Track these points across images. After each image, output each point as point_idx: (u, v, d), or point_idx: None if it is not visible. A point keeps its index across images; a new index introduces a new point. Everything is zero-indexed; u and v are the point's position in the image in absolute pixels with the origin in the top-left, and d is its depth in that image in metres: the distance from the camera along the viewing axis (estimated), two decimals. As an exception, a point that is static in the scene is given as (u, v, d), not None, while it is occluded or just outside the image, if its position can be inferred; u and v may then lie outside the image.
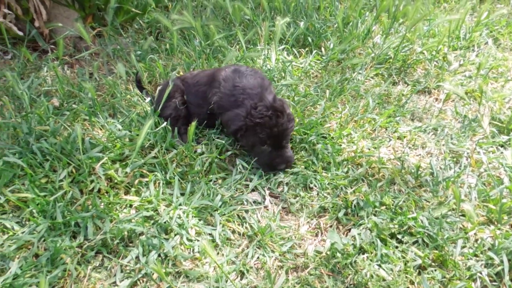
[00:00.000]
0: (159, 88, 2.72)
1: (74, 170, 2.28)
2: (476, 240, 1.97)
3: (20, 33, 3.45)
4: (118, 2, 3.57)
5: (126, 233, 1.99)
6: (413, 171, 2.36)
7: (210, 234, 2.04)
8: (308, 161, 2.46)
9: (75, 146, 2.35)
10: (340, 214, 2.14)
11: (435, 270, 1.84)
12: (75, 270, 1.83)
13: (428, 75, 3.38)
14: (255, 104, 2.33)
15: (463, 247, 1.93)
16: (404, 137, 2.72)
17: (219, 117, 2.55)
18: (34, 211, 2.04)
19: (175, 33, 3.25)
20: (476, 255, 1.90)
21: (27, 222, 2.04)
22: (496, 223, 2.06)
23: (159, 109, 2.59)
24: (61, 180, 2.20)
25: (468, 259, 1.88)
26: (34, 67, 3.36)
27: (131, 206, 2.16)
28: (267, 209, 2.22)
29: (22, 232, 1.96)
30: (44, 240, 1.94)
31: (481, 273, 1.80)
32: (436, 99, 3.19)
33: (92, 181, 2.22)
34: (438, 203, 2.17)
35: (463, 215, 2.09)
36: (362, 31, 3.85)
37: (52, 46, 3.61)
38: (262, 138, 2.31)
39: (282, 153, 2.37)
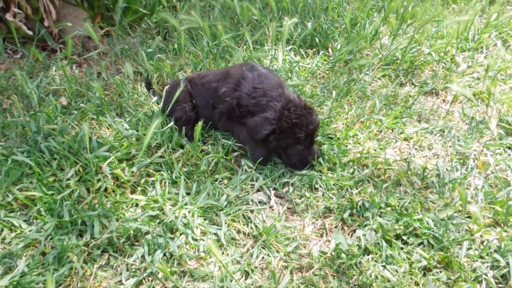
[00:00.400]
0: (166, 88, 2.73)
1: (81, 169, 2.30)
2: (482, 242, 1.96)
3: (30, 32, 3.49)
4: (127, 2, 3.60)
5: (132, 232, 2.00)
6: (419, 172, 2.36)
7: (215, 234, 2.05)
8: (316, 163, 2.46)
9: (82, 145, 2.37)
10: (345, 215, 2.14)
11: (440, 272, 1.83)
12: (82, 268, 1.85)
13: (435, 77, 3.37)
14: (286, 105, 2.31)
15: (468, 249, 1.92)
16: (411, 138, 2.71)
17: (237, 120, 2.51)
18: (41, 209, 2.06)
19: (182, 33, 3.26)
20: (481, 257, 1.89)
21: (34, 220, 2.06)
22: (502, 225, 2.05)
23: (167, 110, 2.59)
24: (68, 179, 2.22)
25: (473, 261, 1.87)
26: (43, 66, 3.39)
27: (137, 205, 2.18)
28: (272, 209, 2.23)
29: (30, 230, 1.99)
30: (51, 239, 1.96)
31: (486, 275, 1.79)
32: (444, 101, 3.18)
33: (99, 180, 2.24)
34: (444, 205, 2.16)
35: (469, 217, 2.09)
36: (369, 32, 3.83)
37: (61, 46, 3.64)
38: (300, 137, 2.31)
39: (312, 149, 2.41)
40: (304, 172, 2.41)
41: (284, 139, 2.34)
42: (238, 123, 2.50)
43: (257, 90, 2.41)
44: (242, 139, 2.51)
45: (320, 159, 2.45)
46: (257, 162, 2.39)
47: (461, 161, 2.50)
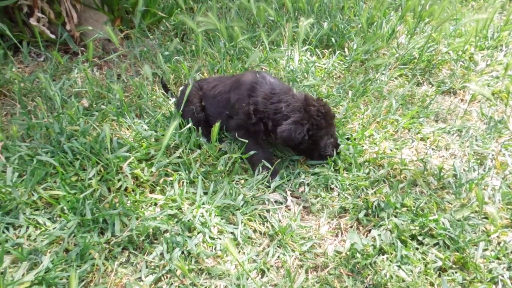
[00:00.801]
0: (181, 89, 2.79)
1: (102, 169, 2.37)
2: (499, 243, 1.95)
3: (53, 36, 3.59)
4: (146, 5, 3.67)
5: (151, 230, 2.06)
6: (435, 172, 2.35)
7: (232, 233, 2.09)
8: (329, 162, 2.47)
9: (103, 145, 2.44)
10: (361, 215, 2.15)
11: (456, 272, 1.84)
12: (103, 265, 1.91)
13: (453, 76, 3.34)
14: (305, 102, 2.40)
15: (485, 249, 1.92)
16: (427, 138, 2.71)
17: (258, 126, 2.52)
18: (65, 208, 2.14)
19: (200, 34, 3.31)
20: (498, 258, 1.88)
21: (58, 218, 2.14)
22: (520, 226, 2.04)
23: (181, 110, 2.65)
24: (90, 179, 2.30)
25: (490, 262, 1.87)
26: (65, 69, 3.48)
27: (156, 204, 2.24)
28: (288, 209, 2.25)
29: (54, 228, 2.07)
30: (74, 236, 2.03)
31: (503, 276, 1.79)
32: (461, 100, 3.15)
33: (119, 180, 2.31)
34: (460, 205, 2.15)
35: (486, 218, 2.08)
36: (386, 31, 3.82)
37: (82, 49, 3.74)
38: (328, 129, 2.42)
39: (335, 139, 2.51)
40: (318, 171, 2.43)
41: (317, 134, 2.40)
42: (251, 134, 2.53)
43: (273, 96, 2.44)
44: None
45: (337, 159, 2.47)
46: (259, 166, 2.42)
47: (479, 161, 2.49)
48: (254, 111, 2.45)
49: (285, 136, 2.35)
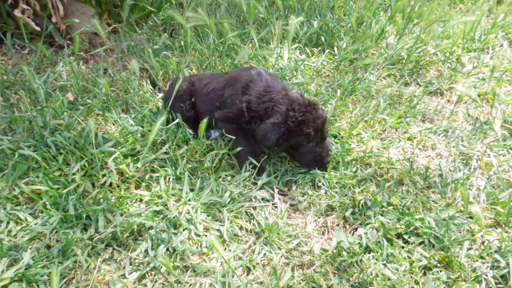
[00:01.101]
0: (169, 83, 2.76)
1: (86, 164, 2.33)
2: (483, 243, 1.97)
3: (38, 28, 3.52)
4: (134, -1, 3.63)
5: (135, 226, 2.03)
6: (422, 172, 2.36)
7: (218, 230, 2.07)
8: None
9: (88, 140, 2.40)
10: (347, 213, 2.15)
11: (441, 271, 1.84)
12: (86, 261, 1.88)
13: (441, 77, 3.36)
14: (290, 105, 2.34)
15: (469, 249, 1.93)
16: (414, 138, 2.72)
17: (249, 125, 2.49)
18: (47, 203, 2.09)
19: (189, 30, 3.28)
20: (482, 257, 1.89)
21: (40, 214, 2.09)
22: (503, 226, 2.05)
23: (168, 106, 2.62)
24: (74, 174, 2.25)
25: (474, 261, 1.88)
26: (50, 62, 3.42)
27: (141, 200, 2.20)
28: (275, 207, 2.24)
29: (35, 224, 2.02)
30: (56, 232, 1.99)
31: (486, 275, 1.80)
32: (448, 101, 3.18)
33: (104, 175, 2.27)
34: (446, 205, 2.17)
35: (471, 217, 2.09)
36: (375, 31, 3.83)
37: (68, 42, 3.67)
38: (309, 133, 2.31)
39: (325, 145, 2.40)
40: (305, 169, 2.42)
41: (294, 138, 2.35)
42: (241, 130, 2.50)
43: (266, 95, 2.42)
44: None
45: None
46: (247, 162, 2.40)
47: (464, 161, 2.51)
48: (247, 109, 2.43)
49: (261, 134, 2.35)
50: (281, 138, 2.35)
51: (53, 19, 3.55)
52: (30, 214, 2.08)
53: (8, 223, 2.01)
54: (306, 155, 2.40)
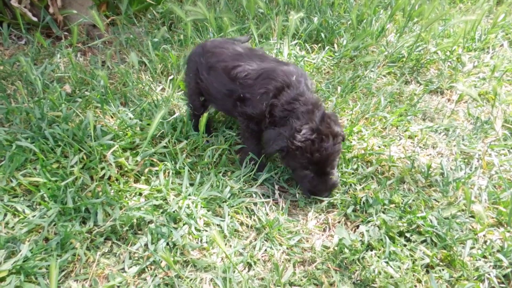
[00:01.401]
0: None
1: (85, 157, 2.29)
2: (485, 242, 1.96)
3: (35, 19, 3.47)
4: (133, -9, 3.58)
5: (135, 220, 2.00)
6: (423, 170, 2.36)
7: (218, 225, 2.05)
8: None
9: (86, 133, 2.37)
10: (349, 211, 2.13)
11: (443, 270, 1.83)
12: (85, 255, 1.85)
13: (441, 75, 3.36)
14: (301, 126, 2.08)
15: (471, 248, 1.92)
16: (415, 136, 2.71)
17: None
18: (45, 195, 2.06)
19: (189, 24, 3.25)
20: (484, 256, 1.89)
21: (38, 206, 2.05)
22: (505, 225, 2.05)
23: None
24: (72, 166, 2.22)
25: (476, 260, 1.87)
26: (48, 53, 3.37)
27: (140, 194, 2.17)
28: (276, 203, 2.22)
29: (33, 216, 1.98)
30: (54, 225, 1.96)
31: (489, 274, 1.79)
32: (449, 100, 3.17)
33: (102, 168, 2.24)
34: (447, 203, 2.16)
35: (473, 216, 2.08)
36: (376, 29, 3.82)
37: (66, 33, 3.62)
38: (302, 163, 2.12)
39: (325, 179, 2.16)
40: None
41: (289, 161, 2.19)
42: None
43: (291, 103, 2.17)
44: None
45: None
46: (247, 159, 2.35)
47: (466, 160, 2.50)
48: (269, 114, 2.23)
49: (265, 138, 2.21)
50: (280, 153, 2.19)
51: (51, 10, 3.49)
52: (28, 206, 2.04)
53: (5, 215, 1.97)
54: (301, 181, 2.23)
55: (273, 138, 2.16)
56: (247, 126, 2.34)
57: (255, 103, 2.24)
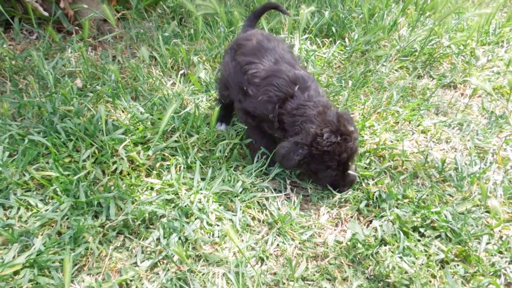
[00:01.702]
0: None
1: (96, 151, 2.29)
2: (501, 237, 1.94)
3: (46, 14, 3.47)
4: (143, -15, 3.57)
5: (147, 215, 2.00)
6: (437, 165, 2.33)
7: (230, 220, 2.04)
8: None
9: (98, 127, 2.37)
10: (362, 205, 2.12)
11: (458, 265, 1.81)
12: (97, 249, 1.85)
13: (454, 70, 3.31)
14: (321, 130, 2.05)
15: (487, 243, 1.89)
16: (428, 131, 2.68)
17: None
18: (57, 189, 2.06)
19: (200, 18, 3.23)
20: (500, 252, 1.86)
21: (50, 200, 2.06)
22: (522, 221, 2.02)
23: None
24: (84, 160, 2.22)
25: (492, 255, 1.85)
26: (59, 48, 3.37)
27: (152, 188, 2.17)
28: (288, 197, 2.21)
29: (46, 210, 1.99)
30: (67, 219, 1.96)
31: (505, 270, 1.77)
32: (462, 94, 3.13)
33: (114, 163, 2.23)
34: (462, 198, 2.13)
35: (488, 212, 2.06)
36: (388, 23, 3.78)
37: (76, 28, 3.62)
38: (331, 165, 2.11)
39: (346, 176, 2.18)
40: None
41: (313, 165, 2.13)
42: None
43: (300, 108, 2.15)
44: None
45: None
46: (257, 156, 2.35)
47: (480, 155, 2.47)
48: (278, 121, 2.22)
49: (282, 153, 2.12)
50: (302, 161, 2.11)
51: (61, 4, 3.49)
52: (41, 200, 2.05)
53: (18, 208, 1.98)
54: (323, 180, 2.22)
55: (292, 150, 2.08)
56: (246, 121, 2.37)
57: (257, 104, 2.24)
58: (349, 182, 2.20)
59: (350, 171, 2.17)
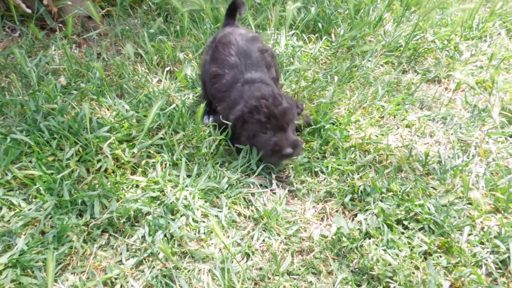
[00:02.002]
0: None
1: (81, 149, 2.28)
2: (483, 228, 1.96)
3: (28, 11, 3.43)
4: (127, -18, 3.54)
5: (132, 212, 1.99)
6: (421, 158, 2.35)
7: (216, 216, 2.04)
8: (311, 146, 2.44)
9: (82, 125, 2.35)
10: (346, 199, 2.13)
11: (441, 256, 1.84)
12: (81, 247, 1.83)
13: (438, 64, 3.34)
14: (252, 96, 2.28)
15: (469, 234, 1.92)
16: (413, 125, 2.70)
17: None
18: (41, 188, 2.04)
19: (186, 14, 3.22)
20: (482, 243, 1.89)
21: (33, 199, 2.04)
22: (503, 212, 2.05)
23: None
24: (68, 159, 2.20)
25: (474, 246, 1.87)
26: (42, 46, 3.34)
27: (137, 186, 2.16)
28: (274, 193, 2.21)
29: (29, 209, 1.97)
30: (50, 218, 1.94)
31: (486, 260, 1.80)
32: (446, 89, 3.16)
33: (99, 161, 2.22)
34: (445, 191, 2.16)
35: (470, 204, 2.09)
36: (373, 18, 3.79)
37: (60, 25, 3.58)
38: (259, 119, 2.20)
39: (286, 136, 2.21)
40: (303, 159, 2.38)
41: (249, 127, 2.26)
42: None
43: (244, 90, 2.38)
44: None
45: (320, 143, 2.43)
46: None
47: (463, 148, 2.50)
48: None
49: (219, 112, 2.37)
50: (238, 123, 2.29)
51: (45, 1, 3.45)
52: (24, 199, 2.02)
53: (1, 208, 1.95)
54: (262, 146, 2.25)
55: (228, 112, 2.34)
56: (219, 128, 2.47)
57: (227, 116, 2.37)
58: (291, 143, 2.18)
59: (291, 134, 2.25)
